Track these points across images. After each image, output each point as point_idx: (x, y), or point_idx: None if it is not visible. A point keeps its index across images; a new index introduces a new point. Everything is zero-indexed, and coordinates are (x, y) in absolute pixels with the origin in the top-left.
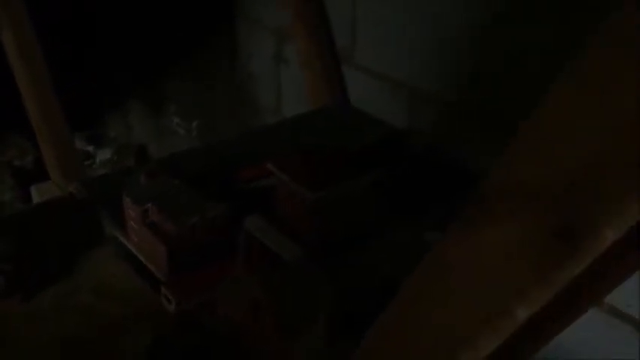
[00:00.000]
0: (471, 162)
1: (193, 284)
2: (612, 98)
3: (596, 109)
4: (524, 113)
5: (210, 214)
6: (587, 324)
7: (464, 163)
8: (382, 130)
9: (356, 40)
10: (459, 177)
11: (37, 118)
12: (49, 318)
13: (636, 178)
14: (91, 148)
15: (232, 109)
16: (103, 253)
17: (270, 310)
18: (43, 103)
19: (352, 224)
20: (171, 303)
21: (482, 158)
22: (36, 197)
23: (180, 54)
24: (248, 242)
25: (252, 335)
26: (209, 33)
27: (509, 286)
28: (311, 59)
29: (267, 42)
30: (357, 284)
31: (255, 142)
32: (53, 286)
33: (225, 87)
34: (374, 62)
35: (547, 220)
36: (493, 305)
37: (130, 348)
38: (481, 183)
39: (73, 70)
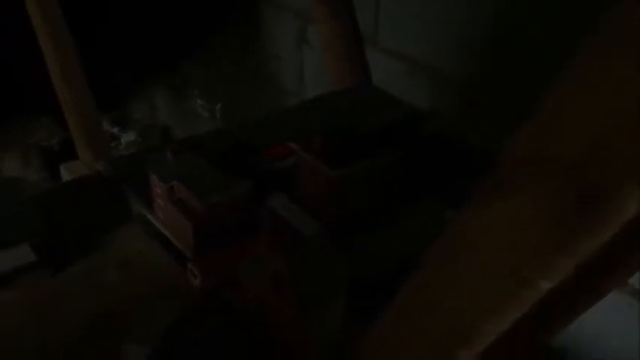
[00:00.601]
0: (492, 145)
1: (218, 260)
2: (630, 61)
3: (619, 71)
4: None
5: (236, 191)
6: (608, 307)
7: (485, 145)
8: (403, 110)
9: (379, 22)
10: (479, 159)
11: (66, 99)
12: (77, 293)
13: None
14: (116, 130)
15: (255, 91)
16: (130, 230)
17: (290, 282)
18: (72, 84)
19: (372, 203)
20: (197, 278)
21: (499, 142)
22: (65, 176)
23: (203, 36)
24: (271, 220)
25: (273, 309)
26: (233, 15)
27: (529, 256)
28: (333, 41)
29: (290, 24)
30: (374, 264)
31: (277, 122)
32: (81, 261)
33: (248, 69)
34: (398, 44)
35: (569, 185)
36: (515, 276)
37: (156, 324)
38: (497, 157)
39: (99, 52)
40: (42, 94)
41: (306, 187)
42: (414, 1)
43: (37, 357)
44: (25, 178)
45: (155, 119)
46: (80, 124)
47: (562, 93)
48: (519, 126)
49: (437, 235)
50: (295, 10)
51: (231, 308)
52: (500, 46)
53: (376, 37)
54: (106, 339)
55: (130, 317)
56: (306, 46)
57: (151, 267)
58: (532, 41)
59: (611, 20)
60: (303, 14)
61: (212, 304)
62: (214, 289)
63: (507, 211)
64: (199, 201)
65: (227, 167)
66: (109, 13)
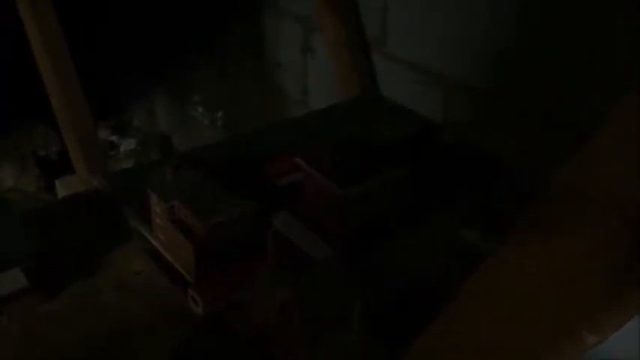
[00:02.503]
0: (504, 153)
1: (221, 284)
2: None
3: None
4: (561, 105)
5: (238, 211)
6: None
7: (497, 154)
8: (414, 121)
9: (387, 29)
10: (492, 170)
11: (61, 113)
12: (73, 317)
13: None
14: (115, 138)
15: (258, 99)
16: (128, 250)
17: (298, 313)
18: (68, 98)
19: (383, 220)
20: (199, 304)
21: (517, 150)
22: (60, 191)
23: (204, 43)
24: (276, 240)
25: (280, 338)
26: (234, 21)
27: (580, 305)
28: (340, 49)
29: (293, 31)
30: (390, 284)
31: (282, 134)
32: (77, 283)
33: (250, 77)
34: (406, 51)
35: (627, 228)
36: (559, 325)
37: (154, 349)
38: (550, 183)
39: (98, 59)
40: (38, 101)
41: (313, 205)
42: (422, 5)
43: None
44: (21, 188)
45: (155, 127)
46: (76, 139)
47: (616, 129)
48: (537, 136)
49: (452, 254)
50: (299, 17)
51: (234, 336)
52: (514, 51)
53: (383, 44)
54: None
55: (129, 343)
56: (310, 54)
57: (150, 289)
58: (547, 44)
59: None
60: (307, 21)
61: (214, 332)
62: (216, 317)
63: (552, 251)
64: (200, 222)
65: (229, 184)
66: (108, 20)
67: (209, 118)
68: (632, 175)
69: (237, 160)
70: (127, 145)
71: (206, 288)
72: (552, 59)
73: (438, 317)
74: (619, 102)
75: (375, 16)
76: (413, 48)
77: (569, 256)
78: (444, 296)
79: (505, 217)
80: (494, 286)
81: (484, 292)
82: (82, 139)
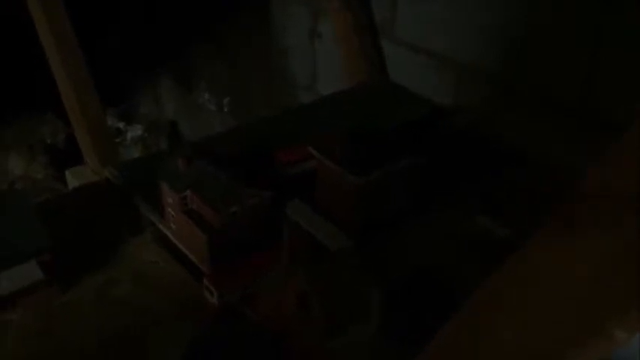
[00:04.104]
0: (514, 139)
1: (236, 275)
2: None
3: None
4: (572, 91)
5: (252, 201)
6: None
7: (508, 140)
8: (424, 107)
9: (396, 13)
10: (504, 156)
11: (71, 103)
12: (88, 309)
13: None
14: (121, 125)
15: (265, 85)
16: (142, 241)
17: (317, 304)
18: (77, 88)
19: (397, 207)
20: (214, 295)
21: (528, 136)
22: (71, 181)
23: (211, 28)
24: (290, 230)
25: (297, 330)
26: (241, 6)
27: (607, 302)
28: (348, 34)
29: (301, 16)
30: (404, 274)
31: (291, 122)
32: (91, 275)
33: (257, 62)
34: (415, 36)
35: None
36: (587, 323)
37: (171, 340)
38: (579, 182)
39: (104, 46)
40: (46, 90)
41: (327, 194)
42: None
43: None
44: (30, 176)
45: (161, 113)
46: (86, 129)
47: None
48: (548, 123)
49: (467, 243)
50: (307, 2)
51: (250, 327)
52: (525, 38)
53: (393, 29)
54: (121, 358)
55: (145, 335)
56: (318, 39)
57: (164, 280)
58: (559, 29)
59: None
60: (314, 5)
61: (230, 323)
62: (232, 307)
63: (584, 250)
64: (214, 212)
65: (241, 173)
66: (114, 7)
67: (215, 104)
68: None
69: (247, 149)
70: (134, 131)
71: (221, 278)
72: (561, 46)
73: (458, 312)
74: None
75: (385, 1)
76: (423, 33)
77: (601, 254)
78: (458, 285)
79: (518, 202)
80: (518, 283)
81: (508, 289)
82: (92, 128)
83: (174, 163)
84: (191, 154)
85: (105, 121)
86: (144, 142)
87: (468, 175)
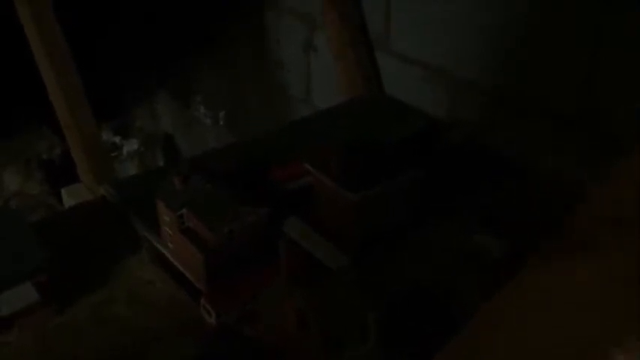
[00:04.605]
0: (512, 152)
1: (233, 294)
2: None
3: None
4: (570, 100)
5: (249, 219)
6: None
7: (506, 152)
8: (420, 121)
9: (390, 26)
10: (502, 170)
11: (66, 120)
12: (85, 330)
13: None
14: (117, 139)
15: (260, 98)
16: (138, 260)
17: (316, 323)
18: (71, 106)
19: (395, 222)
20: (212, 315)
21: (525, 147)
22: (66, 199)
23: (206, 42)
24: (288, 247)
25: (297, 348)
26: (236, 20)
27: (611, 326)
28: (343, 47)
29: (296, 29)
30: (405, 292)
31: (287, 137)
32: (88, 295)
33: (252, 76)
34: (410, 49)
35: None
36: (589, 346)
37: None
38: (581, 205)
39: (100, 59)
40: (42, 105)
41: (324, 211)
42: (426, 2)
43: None
44: (25, 192)
45: (157, 127)
46: (81, 147)
47: None
48: (547, 135)
49: (465, 261)
50: (302, 15)
51: (249, 347)
52: (519, 49)
53: (387, 41)
54: None
55: (143, 355)
56: (313, 52)
57: (161, 300)
58: (556, 40)
59: None
60: (309, 19)
61: (229, 341)
62: (230, 327)
63: (586, 273)
64: (210, 230)
65: (237, 188)
66: (109, 20)
67: (211, 117)
68: None
69: (244, 164)
70: (130, 146)
71: (218, 298)
72: (558, 57)
73: (459, 333)
74: None
75: (379, 13)
76: (417, 45)
77: (604, 278)
78: (456, 300)
79: (515, 214)
80: (519, 305)
81: (508, 311)
82: (87, 146)
83: (171, 181)
84: (187, 172)
85: (100, 139)
86: (140, 156)
87: (465, 189)
